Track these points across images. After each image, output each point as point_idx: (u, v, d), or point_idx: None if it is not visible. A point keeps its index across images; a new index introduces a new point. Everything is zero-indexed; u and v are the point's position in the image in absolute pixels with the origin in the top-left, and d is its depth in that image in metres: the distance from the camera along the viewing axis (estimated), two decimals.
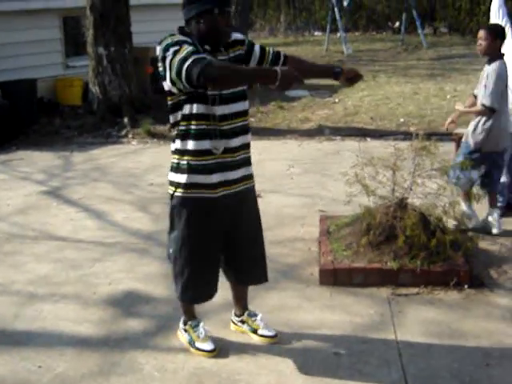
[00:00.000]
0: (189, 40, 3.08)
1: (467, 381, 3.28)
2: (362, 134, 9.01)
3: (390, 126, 9.53)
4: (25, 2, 11.01)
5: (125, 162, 8.36)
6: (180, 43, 3.03)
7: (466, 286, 4.28)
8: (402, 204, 4.58)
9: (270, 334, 3.69)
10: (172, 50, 3.01)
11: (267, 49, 3.43)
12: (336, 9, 20.21)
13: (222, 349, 3.63)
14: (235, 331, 3.81)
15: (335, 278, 4.39)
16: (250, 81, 3.29)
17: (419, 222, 4.42)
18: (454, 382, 3.28)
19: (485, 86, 4.98)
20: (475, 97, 5.27)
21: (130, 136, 9.79)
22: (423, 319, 3.93)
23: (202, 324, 3.67)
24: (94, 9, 10.35)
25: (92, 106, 10.82)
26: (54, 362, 3.55)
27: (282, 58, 3.43)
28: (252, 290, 4.10)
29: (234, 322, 3.84)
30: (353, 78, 3.52)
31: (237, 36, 3.33)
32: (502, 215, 5.61)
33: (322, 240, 4.87)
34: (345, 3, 20.84)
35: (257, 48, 3.39)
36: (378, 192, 4.67)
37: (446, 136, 7.74)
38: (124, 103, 10.51)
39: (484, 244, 4.97)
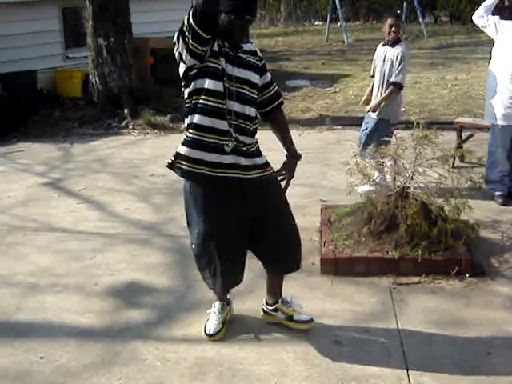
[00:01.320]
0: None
1: (469, 369, 3.28)
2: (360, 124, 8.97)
3: (391, 114, 9.49)
4: None
5: (125, 152, 8.35)
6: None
7: (467, 275, 4.27)
8: (403, 193, 4.58)
9: (306, 319, 3.69)
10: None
11: (274, 84, 3.50)
12: None
13: (224, 339, 3.64)
14: (267, 321, 3.78)
15: (336, 267, 4.39)
16: None
17: (420, 211, 4.42)
18: (456, 370, 3.28)
19: (397, 66, 5.72)
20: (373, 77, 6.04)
21: (130, 127, 9.77)
22: (424, 308, 3.93)
23: (218, 305, 3.71)
24: None
25: (92, 97, 10.80)
26: (57, 353, 3.56)
27: (277, 102, 3.52)
28: (254, 279, 4.11)
29: (265, 312, 3.79)
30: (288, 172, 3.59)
31: (256, 49, 3.37)
32: (504, 204, 5.63)
33: (323, 229, 4.87)
34: None
35: (268, 76, 3.44)
36: (379, 181, 4.67)
37: (447, 125, 7.74)
38: (124, 94, 10.48)
39: (485, 233, 4.96)
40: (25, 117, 10.01)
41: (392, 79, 5.75)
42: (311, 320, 3.68)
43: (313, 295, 4.10)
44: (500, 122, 5.56)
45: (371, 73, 6.15)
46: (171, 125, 9.75)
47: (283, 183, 3.55)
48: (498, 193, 5.72)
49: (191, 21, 3.01)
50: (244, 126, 3.27)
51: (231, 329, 3.74)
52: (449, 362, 3.35)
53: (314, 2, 29.97)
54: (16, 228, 5.62)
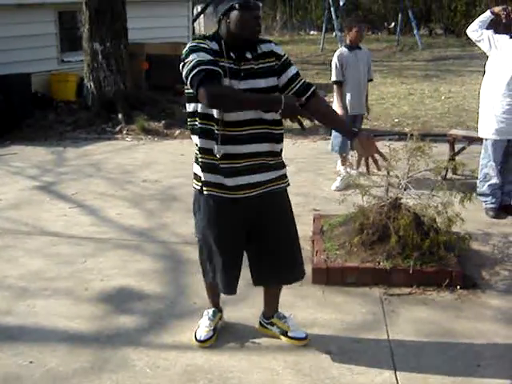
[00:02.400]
0: (208, 47, 3.02)
1: (458, 381, 3.29)
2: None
3: (385, 126, 9.56)
4: None
5: (119, 158, 8.35)
6: (197, 50, 2.99)
7: (458, 287, 4.29)
8: (395, 204, 4.59)
9: (301, 336, 3.65)
10: (190, 56, 2.98)
11: (299, 78, 3.26)
12: (332, 8, 20.23)
13: (214, 346, 3.63)
14: (262, 333, 3.75)
15: (328, 277, 4.39)
16: (253, 109, 3.09)
17: (412, 223, 4.43)
18: (446, 382, 3.28)
19: (371, 65, 6.73)
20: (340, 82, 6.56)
21: (124, 132, 9.78)
22: (415, 319, 3.94)
23: (210, 312, 3.75)
24: (89, 4, 10.34)
25: (86, 102, 10.80)
26: (46, 358, 3.54)
27: (309, 93, 3.25)
28: (246, 288, 4.10)
29: (262, 324, 3.77)
30: (367, 145, 3.18)
31: (274, 48, 3.21)
32: (495, 217, 5.65)
33: (315, 239, 4.88)
34: (341, 3, 20.87)
35: (290, 71, 3.24)
36: (371, 192, 4.68)
37: (440, 137, 7.79)
38: (119, 99, 10.49)
39: (477, 245, 4.98)
40: (18, 120, 9.99)
41: (371, 77, 6.85)
42: (306, 337, 3.65)
43: (304, 304, 4.10)
44: (493, 137, 5.60)
45: (337, 78, 6.54)
46: (165, 131, 9.76)
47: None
48: (489, 206, 5.75)
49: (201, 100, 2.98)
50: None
51: (222, 336, 3.73)
52: (439, 373, 3.35)
53: (310, 11, 30.09)
54: (7, 231, 5.59)
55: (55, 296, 4.31)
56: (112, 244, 5.26)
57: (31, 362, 3.49)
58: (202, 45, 3.03)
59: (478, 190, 5.74)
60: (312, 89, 3.28)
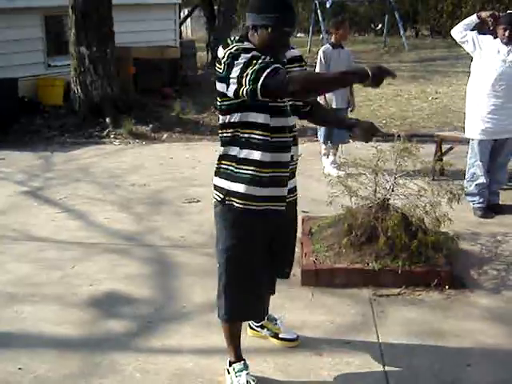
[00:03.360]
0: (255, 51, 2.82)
1: (448, 380, 3.30)
2: None
3: None
4: (6, 0, 10.92)
5: (106, 162, 8.32)
6: (250, 51, 2.79)
7: (447, 287, 4.30)
8: (383, 205, 4.60)
9: (291, 337, 3.64)
10: (243, 56, 2.76)
11: None
12: (319, 11, 20.26)
13: (204, 350, 3.63)
14: (252, 336, 3.72)
15: (317, 278, 4.39)
16: (337, 87, 2.98)
17: (401, 223, 4.44)
18: (435, 381, 3.29)
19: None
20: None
21: (111, 136, 9.75)
22: (405, 319, 3.94)
23: (246, 372, 3.23)
24: (76, 8, 10.29)
25: (74, 106, 10.76)
26: (35, 364, 3.51)
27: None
28: None
29: (251, 328, 3.74)
30: (369, 130, 3.11)
31: (294, 53, 3.11)
32: (483, 216, 5.68)
33: (304, 241, 4.88)
34: (327, 5, 20.91)
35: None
36: (360, 193, 4.69)
37: (427, 137, 7.81)
38: (106, 103, 10.46)
39: (465, 245, 5.00)
40: (5, 124, 9.93)
41: None
42: (297, 338, 3.65)
43: (293, 306, 4.10)
44: (479, 137, 5.63)
45: (321, 72, 6.67)
46: (153, 134, 9.75)
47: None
48: (477, 205, 5.78)
49: (271, 94, 2.77)
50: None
51: (211, 340, 3.72)
52: (428, 373, 3.36)
53: (297, 14, 30.14)
54: None
55: (43, 301, 4.29)
56: (100, 248, 5.24)
57: (20, 369, 3.46)
58: (250, 46, 2.84)
59: (465, 189, 5.77)
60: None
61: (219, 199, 3.08)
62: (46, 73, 11.91)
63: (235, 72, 2.76)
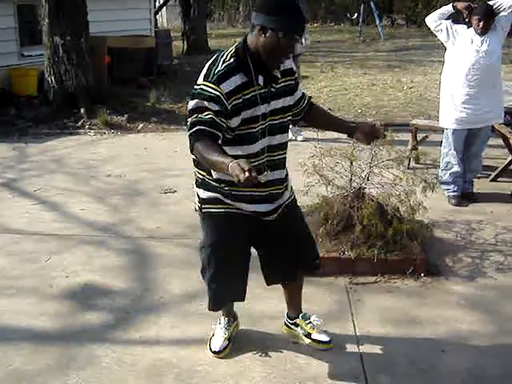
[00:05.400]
0: (222, 97, 2.81)
1: (424, 367, 3.34)
2: None
3: (348, 116, 9.60)
4: None
5: (81, 153, 8.25)
6: (207, 99, 2.81)
7: (422, 274, 4.35)
8: (359, 194, 4.63)
9: (325, 339, 3.54)
10: (197, 101, 2.84)
11: (304, 95, 3.27)
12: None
13: (182, 340, 3.63)
14: (286, 333, 3.68)
15: None
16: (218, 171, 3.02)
17: (376, 212, 4.47)
18: (411, 368, 3.33)
19: None
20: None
21: (86, 127, 9.66)
22: (381, 307, 3.98)
23: (223, 321, 3.57)
24: None
25: (48, 97, 10.63)
26: (11, 357, 3.49)
27: (311, 105, 3.32)
28: None
29: (286, 325, 3.69)
30: (371, 133, 3.14)
31: (286, 65, 3.03)
32: (457, 204, 5.74)
33: None
34: None
35: (299, 89, 3.21)
36: (335, 182, 4.71)
37: (402, 126, 7.86)
38: (80, 93, 10.34)
39: (440, 233, 5.06)
40: None
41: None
42: (329, 342, 3.54)
43: (271, 295, 4.11)
44: (453, 126, 5.67)
45: None
46: (128, 125, 9.68)
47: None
48: (451, 194, 5.83)
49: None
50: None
51: (188, 330, 3.73)
52: (404, 360, 3.40)
53: None
54: None
55: (19, 294, 4.25)
56: (76, 240, 5.20)
57: None
58: (216, 92, 2.81)
59: (440, 178, 5.82)
60: (311, 100, 3.33)
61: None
62: (20, 63, 11.74)
63: (190, 106, 2.89)
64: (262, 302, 3.95)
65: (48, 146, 8.71)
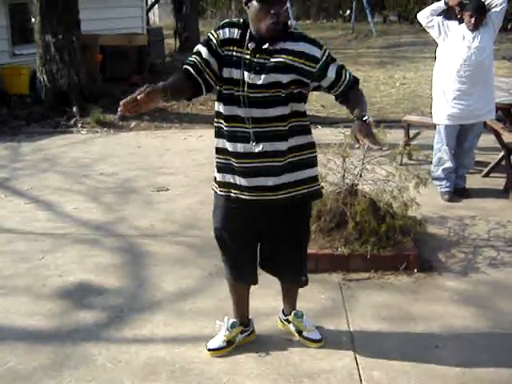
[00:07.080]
0: (218, 38, 3.01)
1: (418, 362, 3.34)
2: (312, 121, 9.02)
3: (341, 113, 9.59)
4: None
5: (74, 151, 8.23)
6: (203, 43, 3.07)
7: (415, 270, 4.36)
8: (352, 190, 4.63)
9: (315, 337, 3.55)
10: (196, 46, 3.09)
11: (342, 78, 3.20)
12: None
13: (176, 338, 3.63)
14: (281, 329, 3.70)
15: None
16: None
17: (369, 208, 4.48)
18: (405, 364, 3.34)
19: None
20: None
21: (79, 125, 9.64)
22: (374, 303, 3.99)
23: (228, 323, 3.52)
24: None
25: (40, 95, 10.60)
26: (5, 357, 3.48)
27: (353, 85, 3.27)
28: (206, 279, 4.11)
29: (281, 320, 3.73)
30: (353, 132, 3.00)
31: (310, 51, 3.03)
32: (450, 200, 5.76)
33: None
34: None
35: (331, 72, 3.15)
36: (328, 178, 4.72)
37: (394, 123, 7.87)
38: (72, 92, 10.32)
39: (432, 228, 5.07)
40: None
41: None
42: (320, 340, 3.55)
43: (264, 293, 4.10)
44: (445, 122, 5.69)
45: None
46: (121, 123, 9.66)
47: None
48: (444, 189, 5.85)
49: None
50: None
51: (183, 328, 3.73)
52: (398, 355, 3.41)
53: None
54: None
55: (13, 293, 4.25)
56: (69, 239, 5.19)
57: None
58: (212, 37, 3.05)
59: (432, 174, 5.83)
60: (356, 81, 3.31)
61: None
62: (11, 61, 11.69)
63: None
64: (257, 299, 3.95)
65: (40, 144, 8.69)
